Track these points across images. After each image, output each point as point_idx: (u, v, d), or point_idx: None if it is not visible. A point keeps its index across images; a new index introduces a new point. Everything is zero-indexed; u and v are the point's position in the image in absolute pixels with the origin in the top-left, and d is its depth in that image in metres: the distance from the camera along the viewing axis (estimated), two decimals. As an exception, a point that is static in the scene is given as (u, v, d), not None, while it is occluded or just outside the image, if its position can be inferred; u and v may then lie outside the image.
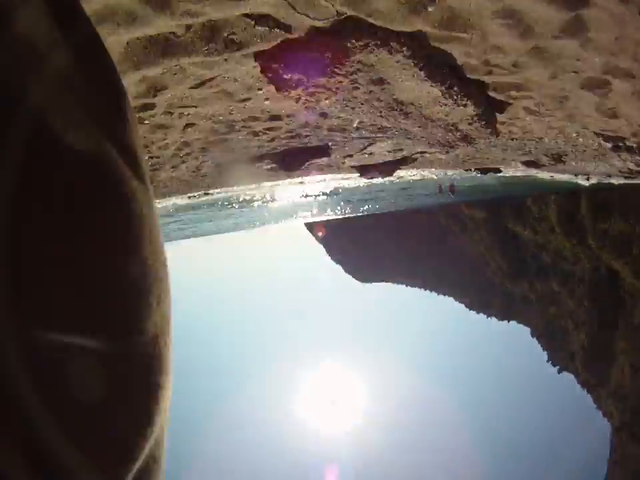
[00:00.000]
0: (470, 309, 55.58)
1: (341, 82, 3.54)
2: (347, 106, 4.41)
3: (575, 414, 45.58)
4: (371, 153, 7.88)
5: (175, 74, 3.38)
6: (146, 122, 4.40)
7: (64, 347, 0.29)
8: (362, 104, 4.42)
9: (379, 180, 11.07)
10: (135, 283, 0.34)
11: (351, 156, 8.08)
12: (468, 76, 4.06)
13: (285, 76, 3.49)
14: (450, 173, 13.90)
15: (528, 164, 9.52)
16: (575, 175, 13.65)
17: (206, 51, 3.04)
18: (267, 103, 4.67)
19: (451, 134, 5.89)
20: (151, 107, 4.01)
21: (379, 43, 3.10)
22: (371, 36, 3.03)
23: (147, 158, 6.01)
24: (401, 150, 8.03)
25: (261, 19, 2.85)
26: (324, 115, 5.34)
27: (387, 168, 8.99)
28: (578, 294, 32.01)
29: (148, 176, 0.38)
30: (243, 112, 5.02)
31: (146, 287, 0.35)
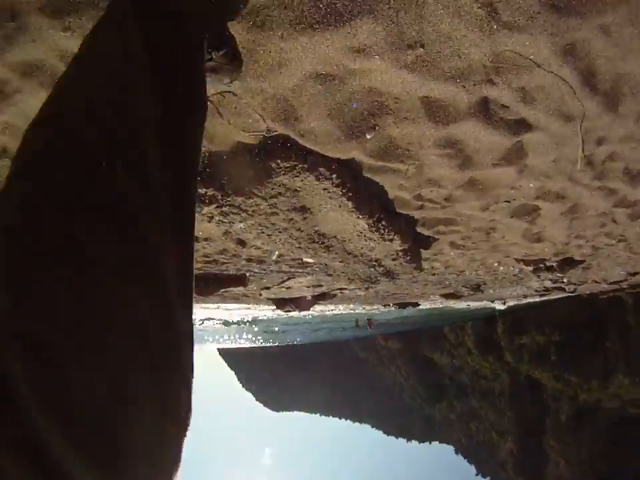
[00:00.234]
0: (388, 435, 56.36)
1: (258, 205, 3.05)
2: (262, 232, 3.88)
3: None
4: (289, 287, 7.41)
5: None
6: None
7: None
8: (280, 232, 3.91)
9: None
10: None
11: (268, 288, 7.52)
12: (398, 210, 3.86)
13: (200, 190, 2.93)
14: (368, 308, 13.89)
15: (447, 296, 9.66)
16: (492, 301, 14.36)
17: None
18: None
19: (373, 269, 5.61)
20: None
21: (307, 167, 2.70)
22: (299, 158, 2.63)
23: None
24: (320, 286, 7.68)
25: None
26: (242, 243, 4.81)
27: (305, 303, 8.67)
28: (499, 406, 33.09)
29: None
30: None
31: None
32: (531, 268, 5.80)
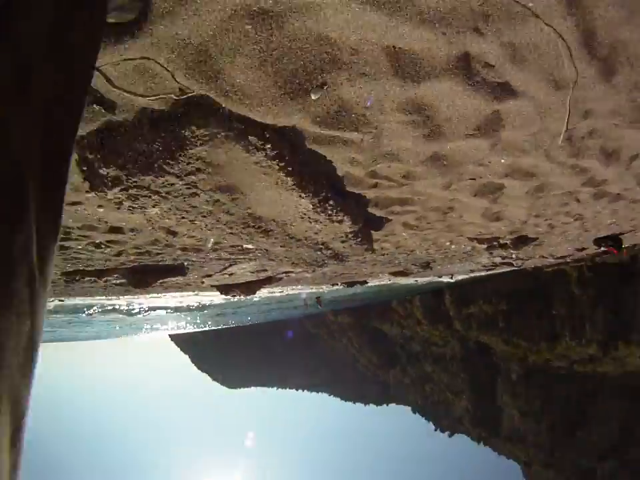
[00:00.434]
0: (345, 401, 59.43)
1: (172, 184, 2.39)
2: (183, 217, 3.18)
3: (481, 465, 48.41)
4: (231, 274, 6.83)
5: None
6: None
7: None
8: (204, 216, 3.21)
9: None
10: None
11: (210, 276, 6.91)
12: (348, 189, 3.35)
13: (101, 171, 2.23)
14: (316, 288, 13.61)
15: (396, 274, 9.51)
16: (439, 277, 14.59)
17: None
18: (100, 210, 3.29)
19: (320, 252, 5.11)
20: None
21: (232, 135, 2.06)
22: (220, 124, 1.99)
23: None
24: (265, 270, 7.17)
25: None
26: (172, 232, 4.11)
27: (250, 287, 8.22)
28: (452, 369, 35.81)
29: None
30: (75, 218, 3.63)
31: None
32: (484, 246, 5.60)
